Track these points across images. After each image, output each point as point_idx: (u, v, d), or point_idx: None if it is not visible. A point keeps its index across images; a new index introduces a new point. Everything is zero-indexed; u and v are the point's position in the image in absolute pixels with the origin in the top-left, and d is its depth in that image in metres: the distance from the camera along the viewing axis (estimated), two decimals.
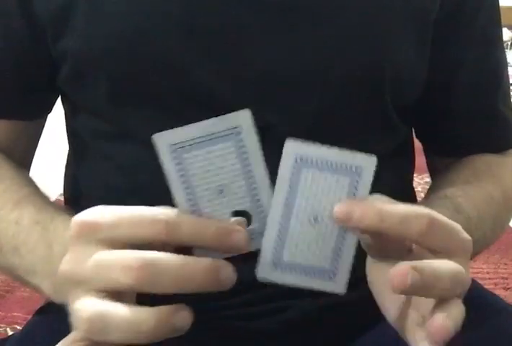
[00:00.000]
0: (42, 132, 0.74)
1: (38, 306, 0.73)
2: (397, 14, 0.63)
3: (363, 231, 0.43)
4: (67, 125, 0.71)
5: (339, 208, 0.42)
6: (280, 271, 0.45)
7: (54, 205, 0.62)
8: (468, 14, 0.67)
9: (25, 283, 0.59)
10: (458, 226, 0.45)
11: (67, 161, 0.74)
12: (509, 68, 0.75)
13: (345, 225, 0.43)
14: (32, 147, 0.74)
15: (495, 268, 1.75)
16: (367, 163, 0.43)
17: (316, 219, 0.43)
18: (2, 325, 1.51)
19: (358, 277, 0.67)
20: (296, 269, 0.45)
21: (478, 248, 0.66)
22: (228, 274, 0.41)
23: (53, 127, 0.86)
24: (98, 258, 0.41)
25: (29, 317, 0.73)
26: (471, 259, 0.69)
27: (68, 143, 0.72)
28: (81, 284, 0.42)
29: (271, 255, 0.45)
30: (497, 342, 0.62)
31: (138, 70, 0.60)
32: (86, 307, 0.41)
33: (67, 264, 0.43)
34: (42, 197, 0.63)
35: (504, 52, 0.72)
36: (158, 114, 0.62)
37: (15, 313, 1.54)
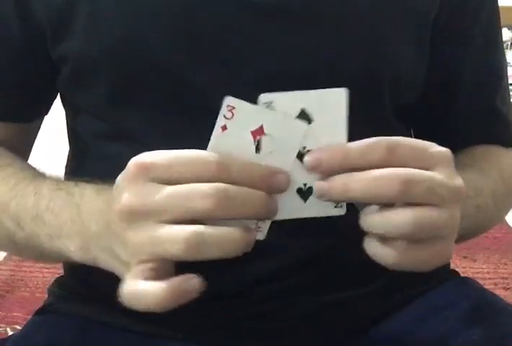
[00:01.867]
0: (38, 132, 0.74)
1: (38, 306, 0.73)
2: (396, 14, 0.63)
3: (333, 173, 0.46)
4: (67, 126, 0.71)
5: (308, 158, 0.45)
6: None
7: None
8: (469, 14, 0.67)
9: (46, 252, 0.59)
10: (427, 143, 0.46)
11: (67, 161, 0.74)
12: (509, 68, 0.75)
13: (317, 172, 0.46)
14: (27, 147, 0.74)
15: (495, 268, 1.75)
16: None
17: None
18: (2, 325, 1.51)
19: (357, 278, 0.68)
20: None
21: (481, 216, 0.67)
22: (281, 182, 0.45)
23: (53, 127, 0.86)
24: (171, 189, 0.44)
25: (29, 317, 0.73)
26: (473, 232, 0.70)
27: (69, 143, 0.72)
28: (153, 215, 0.44)
29: None
30: (497, 342, 0.62)
31: (138, 72, 0.60)
32: (177, 229, 0.43)
33: (131, 199, 0.45)
34: (55, 175, 0.64)
35: (503, 52, 0.73)
36: (157, 115, 0.62)
37: (15, 313, 1.54)
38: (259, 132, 0.45)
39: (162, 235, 0.44)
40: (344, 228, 0.64)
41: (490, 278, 1.70)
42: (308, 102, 0.46)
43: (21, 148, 0.72)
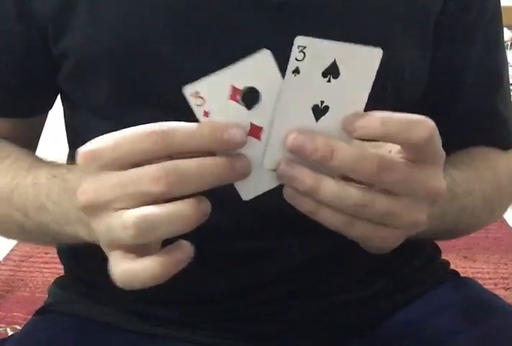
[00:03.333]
0: (43, 125, 0.74)
1: (38, 306, 0.73)
2: (399, 14, 0.62)
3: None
4: (66, 124, 0.71)
5: (347, 120, 0.44)
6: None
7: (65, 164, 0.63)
8: (473, 15, 0.67)
9: (59, 237, 0.59)
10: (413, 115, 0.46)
11: (67, 160, 0.74)
12: (509, 68, 0.75)
13: (350, 134, 0.44)
14: (34, 141, 0.74)
15: (495, 268, 1.75)
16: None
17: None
18: (2, 325, 1.50)
19: (357, 279, 0.68)
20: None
21: (467, 217, 0.66)
22: (242, 162, 0.44)
23: (52, 126, 0.86)
24: (120, 176, 0.43)
25: (29, 317, 0.73)
26: (458, 231, 0.70)
27: (68, 142, 0.72)
28: (109, 205, 0.43)
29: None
30: (497, 342, 0.62)
31: (138, 69, 0.60)
32: (125, 216, 0.42)
33: (85, 193, 0.44)
34: (51, 161, 0.64)
35: (505, 52, 0.72)
36: (158, 113, 0.62)
37: (15, 313, 1.54)
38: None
39: (113, 223, 0.43)
40: None
41: (490, 278, 1.70)
42: (341, 55, 0.44)
43: (27, 143, 0.72)
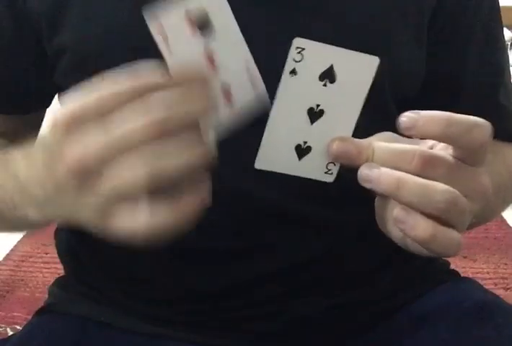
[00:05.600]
0: (41, 124, 0.74)
1: (38, 306, 0.73)
2: (397, 10, 0.63)
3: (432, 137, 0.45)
4: None
5: (403, 118, 0.44)
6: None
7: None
8: (470, 12, 0.67)
9: (16, 224, 0.58)
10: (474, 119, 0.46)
11: None
12: (510, 69, 0.75)
13: (409, 133, 0.44)
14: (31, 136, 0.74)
15: (495, 268, 1.75)
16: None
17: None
18: (2, 325, 1.50)
19: (358, 279, 0.68)
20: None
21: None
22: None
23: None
24: (108, 135, 0.41)
25: (29, 317, 0.73)
26: (475, 223, 0.69)
27: None
28: (111, 160, 0.41)
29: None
30: (498, 342, 0.62)
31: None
32: (135, 166, 0.40)
33: (73, 155, 0.41)
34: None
35: (506, 49, 0.73)
36: None
37: (15, 313, 1.54)
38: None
39: (120, 173, 0.41)
40: (343, 229, 0.65)
41: (490, 278, 1.70)
42: (338, 60, 0.44)
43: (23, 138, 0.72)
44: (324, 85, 0.44)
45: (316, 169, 0.47)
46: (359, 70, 0.45)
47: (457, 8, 0.66)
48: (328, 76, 0.44)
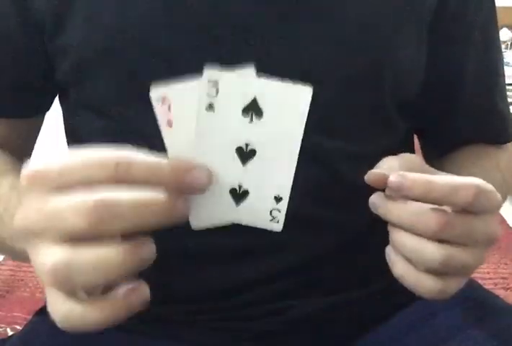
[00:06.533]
0: (41, 127, 0.74)
1: (38, 306, 0.73)
2: (397, 11, 0.63)
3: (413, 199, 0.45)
4: (66, 127, 0.71)
5: (393, 178, 0.44)
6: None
7: None
8: (469, 15, 0.68)
9: (14, 253, 0.57)
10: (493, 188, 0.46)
11: None
12: (508, 68, 0.75)
13: (396, 194, 0.44)
14: (30, 142, 0.74)
15: (495, 268, 1.75)
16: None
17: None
18: (2, 325, 1.50)
19: (357, 279, 0.68)
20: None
21: None
22: (182, 204, 0.39)
23: (52, 126, 0.86)
24: (50, 206, 0.39)
25: (29, 317, 0.73)
26: None
27: (67, 143, 0.72)
28: (38, 235, 0.40)
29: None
30: (498, 342, 0.62)
31: (138, 67, 0.60)
32: (46, 258, 0.39)
33: (21, 219, 0.41)
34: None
35: (500, 51, 0.74)
36: None
37: (15, 313, 1.54)
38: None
39: (36, 259, 0.40)
40: (344, 229, 0.65)
41: (490, 278, 1.70)
42: (262, 92, 0.39)
43: (23, 144, 0.72)
44: (251, 121, 0.39)
45: (258, 215, 0.43)
46: (289, 102, 0.39)
47: (458, 8, 0.67)
48: (253, 110, 0.39)
